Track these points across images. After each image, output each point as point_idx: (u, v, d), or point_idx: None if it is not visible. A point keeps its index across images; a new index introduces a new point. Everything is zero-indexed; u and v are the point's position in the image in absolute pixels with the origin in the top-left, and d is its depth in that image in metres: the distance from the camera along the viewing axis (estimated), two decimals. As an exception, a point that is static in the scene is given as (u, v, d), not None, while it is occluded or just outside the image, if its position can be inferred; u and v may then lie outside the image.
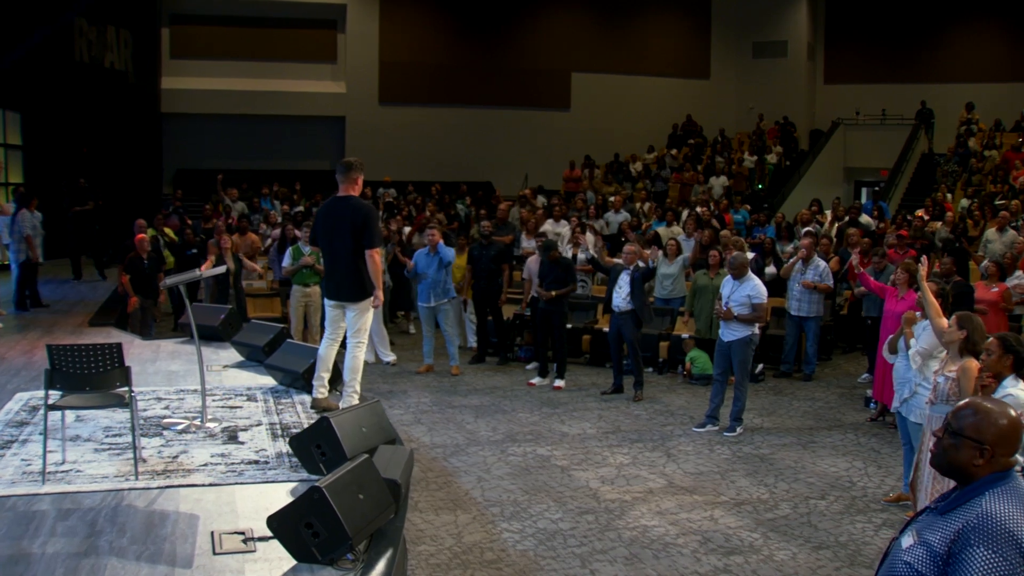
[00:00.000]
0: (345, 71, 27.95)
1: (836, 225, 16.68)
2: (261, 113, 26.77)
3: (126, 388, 5.94)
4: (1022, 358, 5.13)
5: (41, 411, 6.34)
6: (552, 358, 11.68)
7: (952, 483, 2.94)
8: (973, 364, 5.54)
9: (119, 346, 5.89)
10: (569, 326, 12.72)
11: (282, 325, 9.76)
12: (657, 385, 11.69)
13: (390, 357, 12.79)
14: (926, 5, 28.69)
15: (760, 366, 11.96)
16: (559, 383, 11.48)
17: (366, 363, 12.21)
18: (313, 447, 5.97)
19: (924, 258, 6.90)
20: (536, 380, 11.68)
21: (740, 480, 8.00)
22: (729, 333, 9.66)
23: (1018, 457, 4.42)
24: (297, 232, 13.65)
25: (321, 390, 7.60)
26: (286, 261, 12.60)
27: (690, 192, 22.55)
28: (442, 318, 12.24)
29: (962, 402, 2.97)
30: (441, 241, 12.21)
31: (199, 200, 21.46)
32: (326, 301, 7.61)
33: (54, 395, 5.98)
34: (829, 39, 30.68)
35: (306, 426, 6.42)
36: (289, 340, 8.99)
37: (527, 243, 14.95)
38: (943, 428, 2.91)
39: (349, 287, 7.37)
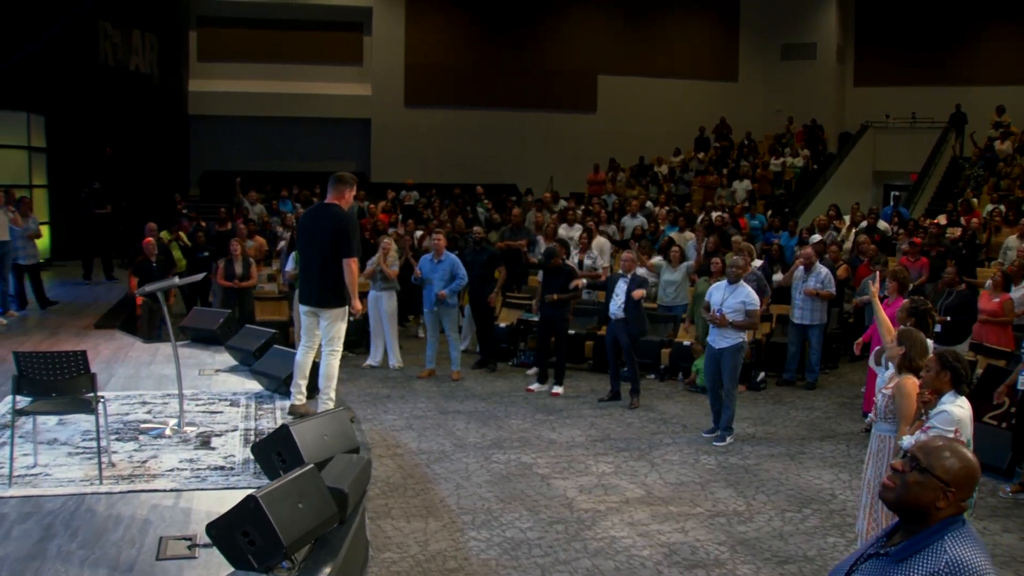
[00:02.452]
0: (371, 73, 28.19)
1: (853, 231, 16.55)
2: (287, 115, 27.13)
3: (92, 394, 6.07)
4: (960, 374, 5.10)
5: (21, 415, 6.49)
6: (550, 365, 11.72)
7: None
8: (910, 382, 5.51)
9: (84, 353, 6.03)
10: (572, 332, 12.76)
11: (273, 331, 9.85)
12: (656, 392, 11.67)
13: (396, 362, 12.88)
14: (958, 6, 28.29)
15: (762, 374, 11.92)
16: (557, 389, 11.50)
17: (373, 367, 12.49)
18: (274, 454, 6.05)
19: (876, 273, 6.89)
20: (535, 386, 11.70)
21: (719, 491, 7.98)
22: (721, 340, 9.63)
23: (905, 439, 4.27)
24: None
25: (299, 396, 7.72)
26: (289, 266, 12.74)
27: (712, 196, 22.44)
28: (446, 322, 12.32)
29: (936, 439, 2.87)
30: (444, 247, 12.31)
31: (226, 202, 21.75)
32: (301, 308, 7.75)
33: (25, 400, 6.14)
34: (859, 41, 30.36)
35: (276, 433, 6.53)
36: (276, 346, 9.09)
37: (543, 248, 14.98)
38: (907, 462, 2.79)
39: (324, 293, 7.52)
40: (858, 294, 12.45)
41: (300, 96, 27.15)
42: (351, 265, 7.45)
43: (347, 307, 7.56)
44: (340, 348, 7.73)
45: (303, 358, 7.69)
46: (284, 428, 6.01)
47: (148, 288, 7.51)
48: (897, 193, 24.10)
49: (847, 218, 17.82)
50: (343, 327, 7.68)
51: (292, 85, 27.23)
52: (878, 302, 6.75)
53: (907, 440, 5.24)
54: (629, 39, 29.30)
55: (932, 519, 2.70)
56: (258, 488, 4.89)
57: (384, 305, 12.72)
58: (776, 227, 16.63)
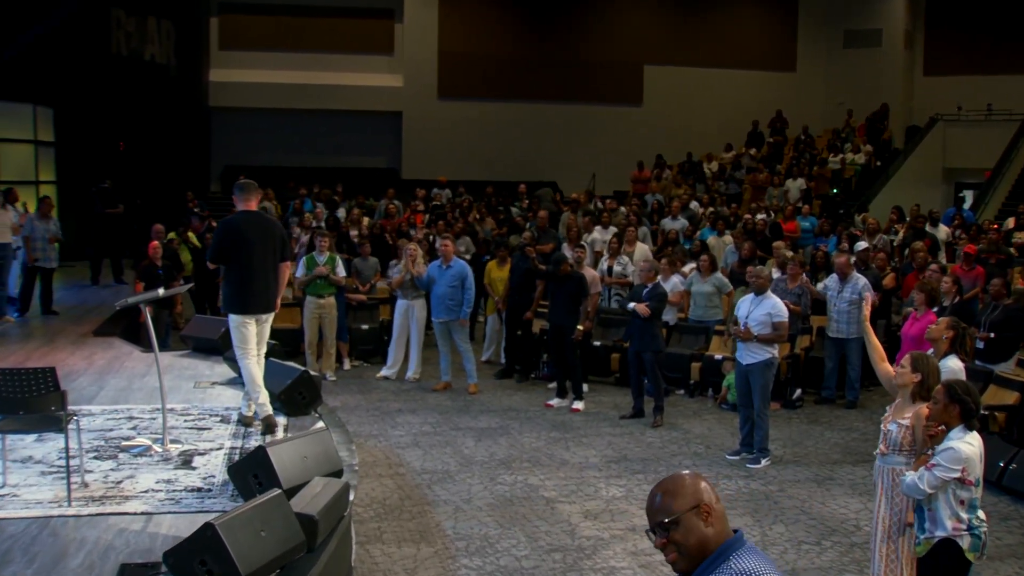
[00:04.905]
0: (402, 63, 28.43)
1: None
2: (313, 108, 27.49)
3: (63, 412, 6.25)
4: (969, 408, 5.06)
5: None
6: (566, 378, 11.78)
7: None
8: (924, 410, 5.49)
9: (53, 370, 6.21)
10: (597, 343, 12.82)
11: (274, 342, 10.00)
12: (684, 409, 11.69)
13: (414, 372, 13.01)
14: (1038, -12, 27.89)
15: (798, 391, 11.89)
16: (577, 405, 11.55)
17: (388, 379, 12.65)
18: (250, 476, 6.19)
19: (868, 296, 6.79)
20: (554, 401, 11.77)
21: (734, 520, 7.98)
22: (748, 355, 9.63)
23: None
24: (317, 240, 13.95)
25: (267, 407, 8.05)
26: (299, 271, 12.93)
27: (763, 195, 22.32)
28: (457, 334, 12.42)
29: (652, 493, 2.93)
30: (452, 252, 12.45)
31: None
32: (239, 318, 7.94)
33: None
34: (929, 26, 30.00)
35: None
36: (272, 359, 9.23)
37: (569, 253, 14.98)
38: (654, 535, 2.87)
39: (272, 299, 8.01)
40: (905, 305, 12.35)
41: (327, 87, 27.47)
42: (288, 268, 8.21)
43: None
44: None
45: (255, 369, 8.02)
46: (261, 449, 6.14)
47: (130, 300, 7.68)
48: (961, 194, 23.80)
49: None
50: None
51: (319, 76, 27.54)
52: (869, 327, 6.68)
53: (909, 477, 5.23)
54: (678, 26, 29.26)
55: (711, 546, 2.83)
56: (218, 515, 5.01)
57: (417, 314, 12.88)
58: (826, 231, 16.50)
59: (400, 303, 12.98)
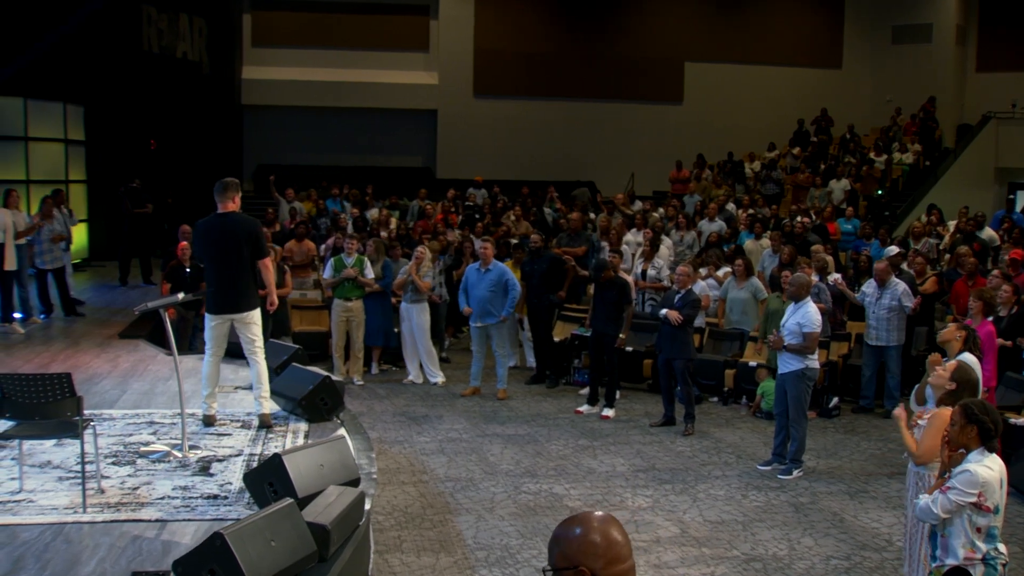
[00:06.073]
0: (438, 60, 28.54)
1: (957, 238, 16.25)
2: (347, 106, 27.67)
3: (78, 418, 6.37)
4: (988, 429, 4.99)
5: (13, 438, 6.81)
6: (600, 385, 11.80)
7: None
8: (947, 412, 5.44)
9: (68, 376, 6.33)
10: (629, 349, 12.81)
11: (297, 347, 10.13)
12: (717, 417, 11.67)
13: (438, 378, 13.08)
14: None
15: (835, 400, 11.83)
16: (607, 412, 11.57)
17: (415, 383, 12.73)
18: (266, 484, 6.28)
19: (900, 409, 6.35)
20: (584, 408, 11.80)
21: (762, 532, 7.98)
22: (782, 364, 9.63)
23: None
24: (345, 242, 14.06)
25: (213, 406, 8.53)
26: (327, 273, 13.04)
27: (805, 196, 22.18)
28: (496, 338, 12.47)
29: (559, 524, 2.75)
30: (491, 255, 12.48)
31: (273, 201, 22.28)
32: (209, 317, 8.39)
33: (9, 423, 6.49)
34: (983, 20, 29.53)
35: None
36: (295, 364, 9.34)
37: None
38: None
39: (242, 300, 8.29)
40: (951, 312, 12.27)
41: (361, 85, 27.65)
42: (268, 264, 8.54)
43: (256, 310, 8.47)
44: (263, 346, 8.63)
45: (212, 368, 8.45)
46: (276, 457, 6.23)
47: (150, 305, 7.80)
48: (1012, 195, 23.51)
49: (952, 224, 17.47)
50: (259, 325, 8.55)
51: (352, 73, 27.75)
52: (906, 429, 6.10)
53: (923, 500, 5.18)
54: (719, 22, 29.13)
55: None
56: (228, 524, 5.10)
57: (415, 319, 12.92)
58: (868, 235, 16.38)
59: (402, 306, 13.08)
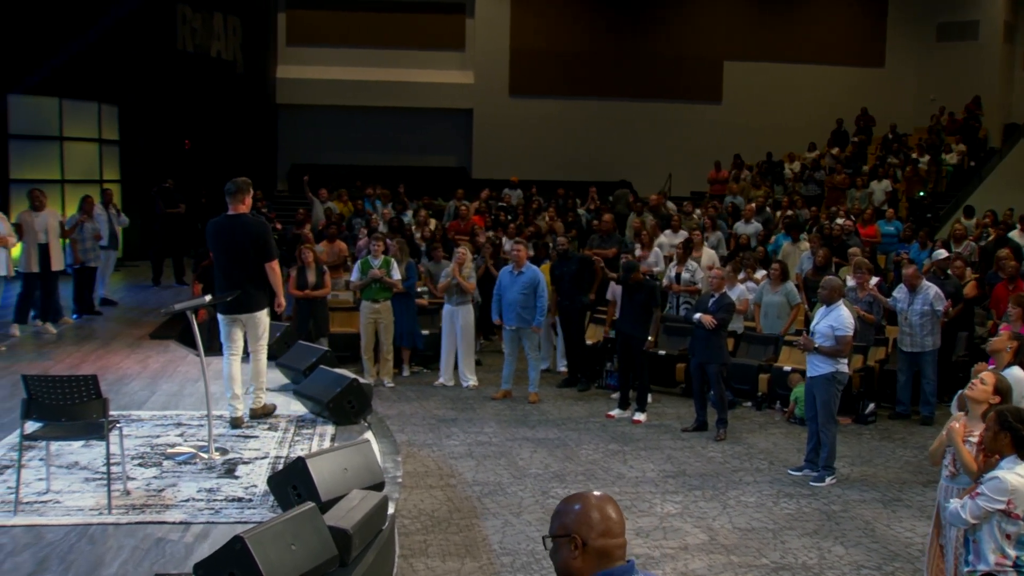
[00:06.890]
0: (473, 60, 28.63)
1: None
2: (383, 105, 27.85)
3: (104, 419, 6.47)
4: (1021, 436, 4.99)
5: (40, 439, 6.91)
6: (631, 389, 11.81)
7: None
8: None
9: (95, 378, 6.43)
10: (662, 353, 12.81)
11: (326, 349, 10.21)
12: (750, 423, 11.63)
13: (471, 381, 13.13)
14: None
15: (871, 405, 11.76)
16: (639, 417, 11.57)
17: (445, 386, 12.79)
18: (289, 488, 6.34)
19: (959, 419, 6.06)
20: (615, 412, 11.80)
21: (792, 541, 7.95)
22: (812, 368, 9.60)
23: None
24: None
25: (239, 407, 8.56)
26: (354, 275, 13.13)
27: (843, 198, 22.02)
28: (527, 342, 12.50)
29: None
30: (524, 257, 12.51)
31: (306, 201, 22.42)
32: (221, 318, 8.58)
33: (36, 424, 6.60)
34: (1031, 18, 29.31)
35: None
36: (323, 367, 9.41)
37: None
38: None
39: (251, 300, 8.42)
40: (990, 316, 12.16)
41: (396, 84, 27.81)
42: (274, 267, 8.55)
43: (265, 309, 8.64)
44: (266, 343, 8.80)
45: (232, 368, 8.51)
46: (300, 461, 6.29)
47: (177, 307, 7.89)
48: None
49: (992, 229, 17.27)
50: (267, 324, 8.76)
51: (388, 72, 27.90)
52: (960, 443, 5.79)
53: (953, 504, 5.18)
54: (759, 20, 29.00)
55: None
56: (250, 527, 5.16)
57: (460, 320, 12.98)
58: (908, 237, 16.25)
59: (445, 308, 13.13)
